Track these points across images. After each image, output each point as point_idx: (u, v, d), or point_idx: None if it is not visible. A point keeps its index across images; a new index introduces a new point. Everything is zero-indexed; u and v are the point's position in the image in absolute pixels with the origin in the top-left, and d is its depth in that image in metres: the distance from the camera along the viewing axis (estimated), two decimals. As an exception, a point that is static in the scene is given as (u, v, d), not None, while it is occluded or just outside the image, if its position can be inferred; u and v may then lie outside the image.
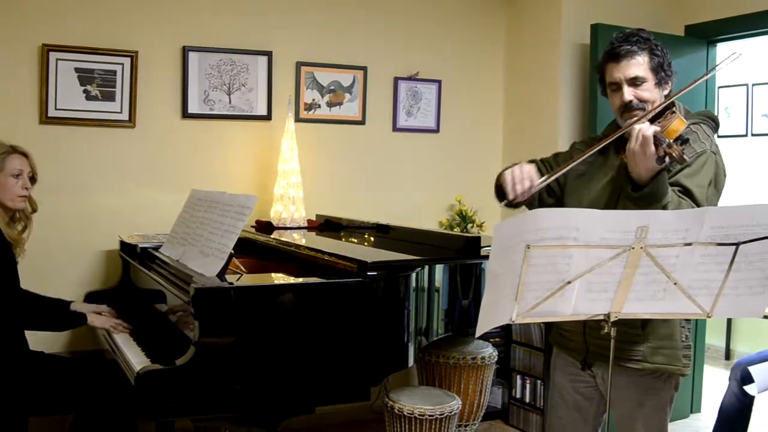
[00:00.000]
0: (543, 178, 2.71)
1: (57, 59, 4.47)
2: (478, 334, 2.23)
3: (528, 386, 5.13)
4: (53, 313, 3.80)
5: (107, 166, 4.64)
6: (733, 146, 7.04)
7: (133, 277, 4.34)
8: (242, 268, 3.55)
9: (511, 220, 2.09)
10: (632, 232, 2.09)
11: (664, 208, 2.42)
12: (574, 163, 2.69)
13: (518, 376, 5.20)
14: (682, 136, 2.42)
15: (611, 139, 2.63)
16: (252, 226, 4.83)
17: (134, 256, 4.21)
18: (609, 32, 4.78)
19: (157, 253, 3.92)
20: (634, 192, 2.47)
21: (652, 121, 2.56)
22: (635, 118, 2.63)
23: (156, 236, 4.42)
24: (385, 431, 4.16)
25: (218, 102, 4.90)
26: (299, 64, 5.15)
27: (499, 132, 5.92)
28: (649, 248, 2.12)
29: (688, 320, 2.78)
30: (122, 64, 4.63)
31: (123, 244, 4.45)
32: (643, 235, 2.09)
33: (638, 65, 2.66)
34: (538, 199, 2.96)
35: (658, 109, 2.63)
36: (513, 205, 2.81)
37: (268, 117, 5.06)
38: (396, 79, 5.48)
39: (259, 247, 4.29)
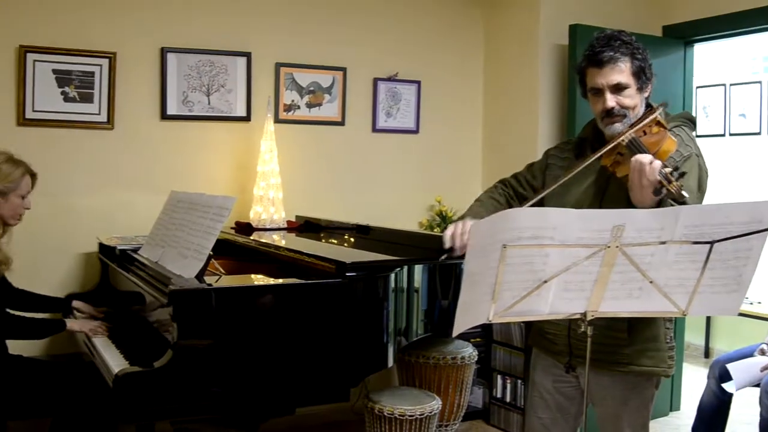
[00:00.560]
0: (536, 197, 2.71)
1: (34, 61, 4.44)
2: (455, 333, 2.23)
3: (509, 386, 5.14)
4: (33, 324, 3.77)
5: (86, 168, 4.62)
6: (711, 146, 7.07)
7: (112, 280, 4.33)
8: (221, 269, 3.55)
9: (487, 219, 2.10)
10: (608, 231, 2.10)
11: None
12: (561, 181, 2.67)
13: (499, 376, 5.21)
14: (679, 168, 2.41)
15: (605, 150, 2.60)
16: (231, 228, 4.82)
17: (113, 258, 4.19)
18: (587, 33, 4.83)
19: (136, 255, 3.91)
20: None
21: (633, 125, 2.57)
22: (617, 126, 2.64)
23: (135, 238, 4.40)
24: (365, 432, 4.16)
25: (197, 103, 4.89)
26: (278, 65, 5.14)
27: (479, 132, 5.93)
28: (624, 247, 2.14)
29: (671, 321, 2.80)
30: (100, 65, 4.60)
31: (102, 246, 4.43)
32: (618, 234, 2.11)
33: (620, 72, 2.64)
34: None
35: (638, 114, 2.64)
36: (452, 253, 2.84)
37: (247, 118, 5.05)
38: (375, 80, 5.48)
39: (238, 249, 4.29)
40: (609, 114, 2.67)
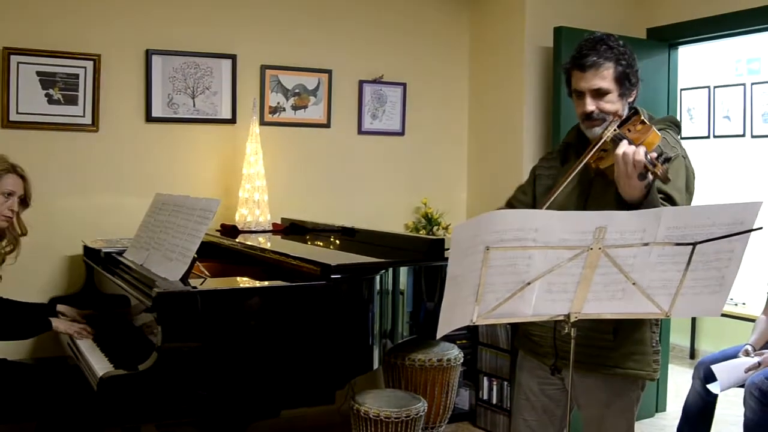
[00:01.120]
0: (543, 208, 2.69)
1: (18, 63, 4.42)
2: (439, 335, 2.23)
3: (495, 388, 5.14)
4: (19, 323, 3.76)
5: (70, 170, 4.60)
6: (695, 148, 7.10)
7: (97, 283, 4.31)
8: (206, 272, 3.54)
9: (470, 221, 2.10)
10: (590, 233, 2.11)
11: None
12: (570, 178, 2.67)
13: (485, 378, 5.22)
14: (665, 154, 2.42)
15: (591, 152, 2.61)
16: (217, 230, 4.81)
17: (98, 261, 4.18)
18: (572, 35, 4.86)
19: (120, 258, 3.90)
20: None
21: (619, 126, 2.58)
22: (597, 129, 2.65)
23: (120, 241, 4.39)
24: (351, 434, 4.16)
25: (182, 105, 4.88)
26: (264, 68, 5.13)
27: (464, 134, 5.94)
28: (607, 248, 2.14)
29: (657, 324, 2.81)
30: (85, 67, 4.59)
31: (86, 248, 4.42)
32: (601, 236, 2.11)
33: (602, 77, 2.65)
34: None
35: (623, 115, 2.65)
36: None
37: (232, 120, 5.04)
38: (361, 82, 5.49)
39: (224, 251, 4.28)
40: (588, 117, 2.70)
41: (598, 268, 2.19)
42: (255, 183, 4.81)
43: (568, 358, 2.66)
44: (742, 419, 4.18)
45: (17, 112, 4.44)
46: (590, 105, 2.68)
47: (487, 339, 5.20)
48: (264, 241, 4.38)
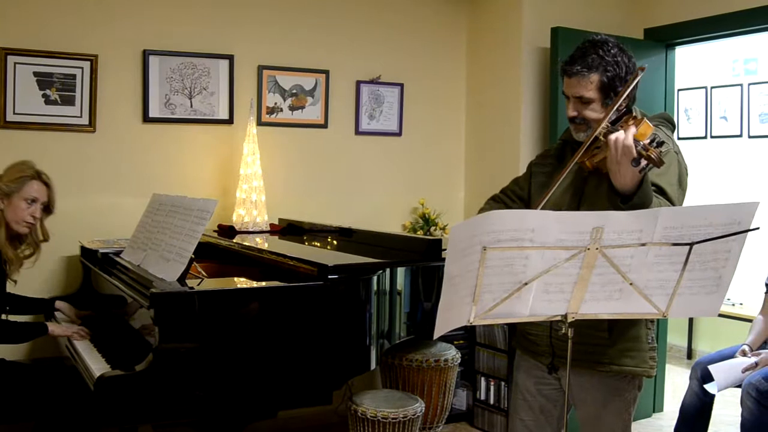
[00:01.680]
0: (538, 207, 2.67)
1: (15, 63, 4.42)
2: (436, 335, 2.23)
3: (492, 388, 5.14)
4: (15, 328, 3.76)
5: (67, 171, 4.60)
6: (692, 148, 7.12)
7: (94, 283, 4.31)
8: (203, 272, 3.54)
9: (467, 222, 2.10)
10: (587, 233, 2.11)
11: None
12: (564, 176, 2.67)
13: (482, 378, 5.22)
14: (657, 138, 2.43)
15: (583, 149, 2.62)
16: (214, 231, 4.81)
17: (95, 262, 4.18)
18: (569, 35, 4.86)
19: (118, 259, 3.90)
20: (623, 204, 2.43)
21: (612, 125, 2.59)
22: (582, 134, 2.67)
23: (117, 241, 4.39)
24: (348, 435, 4.16)
25: (179, 106, 4.88)
26: (261, 68, 5.13)
27: (462, 134, 5.94)
28: (604, 249, 2.14)
29: (652, 321, 2.81)
30: (82, 68, 4.59)
31: (84, 249, 4.41)
32: (598, 236, 2.11)
33: (585, 86, 2.67)
34: None
35: (615, 115, 2.65)
36: None
37: (229, 121, 5.04)
38: (358, 83, 5.49)
39: (221, 252, 4.28)
40: (572, 121, 2.74)
41: (595, 268, 2.18)
42: (252, 183, 4.81)
43: (565, 357, 2.65)
44: (739, 419, 4.18)
45: (14, 113, 4.44)
46: (572, 110, 2.72)
47: (485, 339, 5.20)
48: (261, 242, 4.38)
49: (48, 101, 4.52)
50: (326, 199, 5.40)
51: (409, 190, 5.71)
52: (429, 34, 5.76)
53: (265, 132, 5.07)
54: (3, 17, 4.42)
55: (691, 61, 7.14)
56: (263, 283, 3.29)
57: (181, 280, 3.20)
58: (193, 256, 3.26)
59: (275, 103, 5.20)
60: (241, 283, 3.51)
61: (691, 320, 7.34)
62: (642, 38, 5.52)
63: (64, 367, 3.84)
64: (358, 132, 5.53)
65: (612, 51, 2.69)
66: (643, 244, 2.15)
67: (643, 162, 2.37)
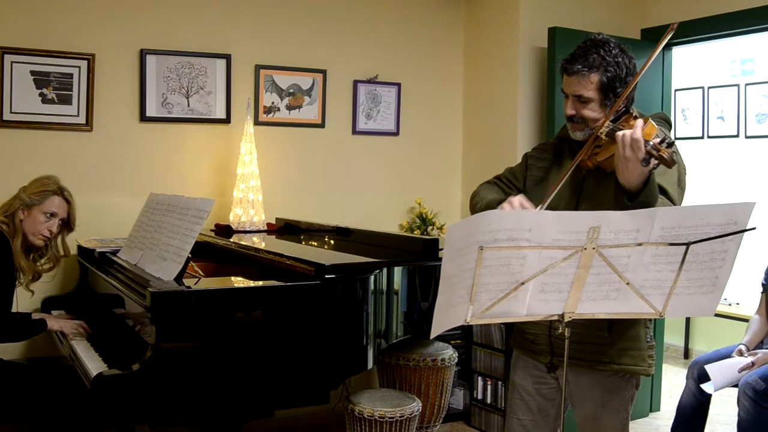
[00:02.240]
0: (538, 208, 2.65)
1: (12, 62, 4.42)
2: (433, 335, 2.23)
3: (489, 387, 5.14)
4: (14, 326, 3.77)
5: (64, 170, 4.56)
6: (689, 148, 7.13)
7: (91, 282, 4.31)
8: (200, 271, 3.54)
9: (464, 221, 2.10)
10: (584, 233, 2.11)
11: None
12: (566, 177, 2.67)
13: (479, 378, 5.22)
14: (667, 139, 2.42)
15: (585, 149, 2.62)
16: (211, 230, 4.81)
17: (92, 261, 4.18)
18: (566, 35, 4.86)
19: (115, 258, 3.90)
20: (630, 201, 2.43)
21: (612, 123, 2.59)
22: (579, 133, 2.68)
23: (114, 241, 4.39)
24: (345, 434, 4.16)
25: (176, 105, 4.87)
26: (258, 67, 5.13)
27: (459, 134, 5.94)
28: (601, 248, 2.15)
29: (650, 321, 2.82)
30: (79, 67, 4.58)
31: (80, 248, 4.41)
32: (594, 236, 2.12)
33: (585, 86, 2.67)
34: None
35: (617, 112, 2.66)
36: None
37: (227, 120, 5.04)
38: (355, 82, 5.49)
39: (218, 251, 4.28)
40: (569, 120, 2.74)
41: (592, 268, 2.19)
42: (249, 183, 4.81)
43: (564, 356, 2.66)
44: (735, 419, 4.18)
45: (11, 112, 4.44)
46: (570, 109, 2.73)
47: (482, 339, 5.20)
48: (258, 241, 4.38)
49: (45, 100, 4.52)
50: (323, 199, 5.40)
51: (406, 190, 5.71)
52: (426, 34, 5.76)
53: (262, 131, 5.06)
54: (0, 16, 4.41)
55: (688, 62, 7.15)
56: (260, 283, 3.29)
57: (178, 279, 3.20)
58: (190, 255, 3.26)
59: (272, 103, 5.20)
60: (238, 282, 3.51)
61: (688, 320, 7.35)
62: (639, 38, 5.53)
63: (62, 366, 3.84)
64: (355, 131, 5.53)
65: (613, 51, 2.69)
66: (640, 244, 2.15)
67: (654, 162, 2.37)
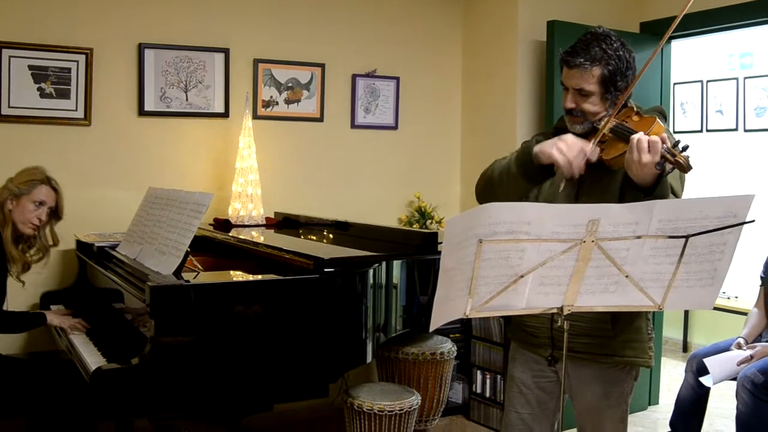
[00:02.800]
0: (591, 146, 2.60)
1: (10, 56, 4.41)
2: (432, 328, 2.23)
3: (488, 381, 5.15)
4: (12, 318, 3.78)
5: (63, 164, 4.58)
6: (688, 142, 7.08)
7: (90, 277, 4.31)
8: (199, 266, 3.54)
9: (463, 214, 2.10)
10: (583, 226, 2.11)
11: None
12: (561, 184, 2.66)
13: (478, 371, 5.22)
14: (681, 142, 2.42)
15: (596, 140, 2.61)
16: (210, 224, 4.80)
17: (91, 256, 4.18)
18: (565, 29, 4.86)
19: (113, 252, 3.89)
20: (646, 197, 2.41)
21: (612, 114, 2.59)
22: (578, 126, 2.67)
23: (113, 235, 4.38)
24: (345, 428, 4.16)
25: (175, 99, 4.87)
26: (257, 61, 5.13)
27: (458, 128, 5.94)
28: (600, 241, 2.15)
29: (650, 312, 2.82)
30: (77, 61, 4.58)
31: (79, 243, 4.41)
32: (593, 229, 2.12)
33: (586, 79, 2.66)
34: None
35: (617, 111, 2.65)
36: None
37: (225, 114, 5.03)
38: (354, 76, 5.48)
39: (217, 245, 4.27)
40: (568, 113, 2.73)
41: (591, 261, 2.19)
42: (248, 177, 4.80)
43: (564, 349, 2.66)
44: (734, 412, 4.19)
45: (9, 106, 4.43)
46: (570, 102, 2.71)
47: (481, 332, 5.21)
48: (257, 235, 4.38)
49: (43, 95, 4.52)
50: (322, 193, 5.40)
51: (405, 184, 5.71)
52: (425, 28, 5.75)
53: (260, 125, 5.06)
54: (-2, 10, 4.41)
55: (687, 55, 7.14)
56: (259, 277, 3.29)
57: (177, 273, 3.19)
58: (189, 249, 3.26)
59: (271, 97, 5.20)
60: (237, 276, 3.51)
61: (686, 313, 7.35)
62: (638, 32, 5.52)
63: (60, 360, 3.84)
64: (354, 125, 5.53)
65: (614, 45, 2.69)
66: (639, 237, 2.15)
67: (669, 167, 2.37)
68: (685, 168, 2.37)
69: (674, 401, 4.62)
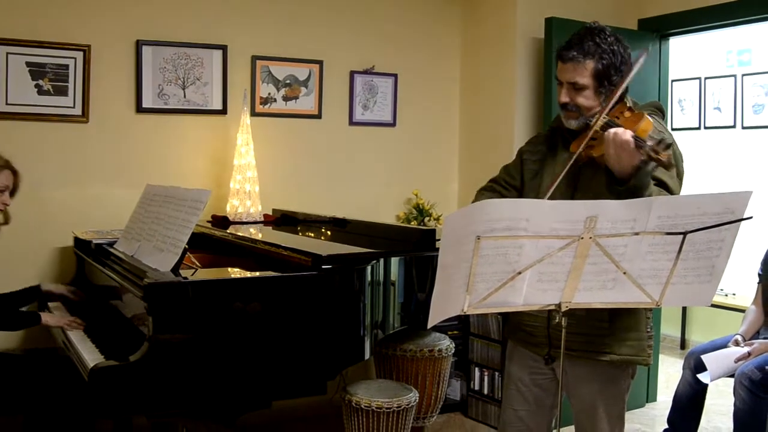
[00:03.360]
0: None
1: (7, 53, 4.40)
2: (429, 324, 2.23)
3: (486, 378, 5.15)
4: (7, 316, 3.76)
5: (60, 161, 4.59)
6: (686, 139, 7.12)
7: (88, 274, 4.30)
8: (197, 263, 3.53)
9: (461, 211, 2.10)
10: (581, 222, 2.12)
11: None
12: (564, 171, 2.67)
13: (476, 368, 5.23)
14: (664, 140, 2.43)
15: (584, 143, 2.62)
16: (208, 221, 4.80)
17: (89, 253, 4.17)
18: (563, 26, 4.86)
19: (111, 249, 3.89)
20: (619, 186, 2.46)
21: (604, 111, 2.59)
22: (573, 122, 2.68)
23: (111, 232, 4.38)
24: (343, 425, 4.16)
25: (173, 96, 4.86)
26: (254, 58, 5.12)
27: (456, 125, 5.94)
28: (598, 238, 2.15)
29: (650, 310, 2.82)
30: (75, 58, 4.57)
31: (77, 240, 4.40)
32: (591, 225, 2.12)
33: (580, 73, 2.67)
34: None
35: (611, 103, 2.65)
36: None
37: (223, 111, 5.02)
38: (352, 73, 5.48)
39: (215, 242, 4.27)
40: (564, 108, 2.74)
41: (589, 257, 2.19)
42: (246, 174, 4.80)
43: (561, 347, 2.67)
44: (731, 409, 4.20)
45: (6, 103, 4.42)
46: (564, 96, 2.72)
47: (479, 329, 5.21)
48: (255, 232, 4.38)
49: (41, 91, 4.51)
50: (320, 190, 5.39)
51: (403, 181, 5.71)
52: (423, 24, 5.75)
53: (258, 122, 5.06)
54: (-5, 7, 4.40)
55: (685, 52, 7.14)
56: (257, 273, 3.29)
57: (175, 270, 3.19)
58: (186, 246, 3.26)
59: (269, 94, 5.19)
60: (235, 273, 3.51)
61: (684, 310, 7.36)
62: (636, 29, 5.52)
63: (58, 357, 3.83)
64: (352, 122, 5.52)
65: (608, 39, 2.70)
66: (637, 233, 2.16)
67: (653, 164, 2.38)
68: (667, 166, 2.39)
69: (672, 398, 4.63)
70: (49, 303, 4.14)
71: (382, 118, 5.62)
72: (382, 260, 3.44)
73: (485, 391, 5.16)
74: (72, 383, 3.49)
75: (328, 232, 4.44)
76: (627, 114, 2.57)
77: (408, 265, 3.61)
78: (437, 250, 2.13)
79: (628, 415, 3.42)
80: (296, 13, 5.27)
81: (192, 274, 3.24)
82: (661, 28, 5.43)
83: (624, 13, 5.52)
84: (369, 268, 3.31)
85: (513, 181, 3.00)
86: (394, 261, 3.54)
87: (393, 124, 5.67)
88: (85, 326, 3.73)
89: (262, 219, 4.84)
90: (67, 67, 4.56)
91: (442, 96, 5.87)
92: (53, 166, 4.58)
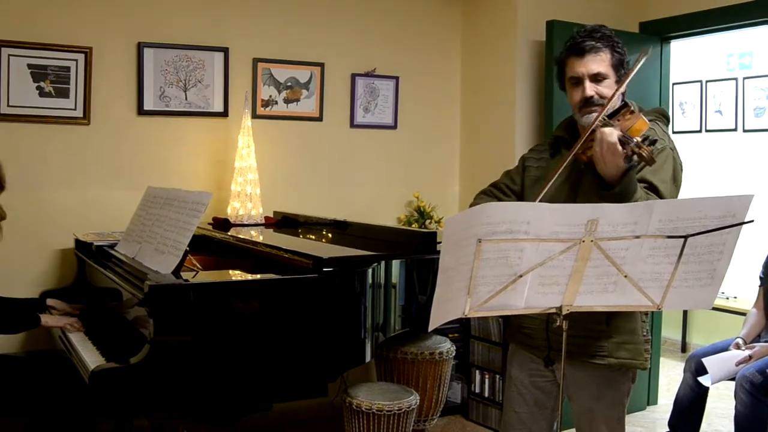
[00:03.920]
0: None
1: (9, 55, 4.40)
2: (430, 328, 2.23)
3: (487, 381, 5.15)
4: (7, 318, 3.76)
5: (62, 163, 4.59)
6: (687, 142, 7.12)
7: (89, 276, 4.30)
8: (198, 265, 3.53)
9: (462, 214, 2.10)
10: (582, 226, 2.11)
11: None
12: (561, 170, 2.67)
13: (477, 371, 5.23)
14: (650, 137, 2.44)
15: (581, 142, 2.62)
16: (209, 224, 4.80)
17: (89, 255, 4.17)
18: (564, 29, 4.86)
19: (112, 251, 3.89)
20: (605, 190, 2.48)
21: (609, 117, 2.59)
22: (593, 116, 2.66)
23: (111, 234, 4.38)
24: (344, 428, 4.16)
25: (174, 98, 4.87)
26: (256, 61, 5.12)
27: (457, 128, 5.94)
28: (599, 241, 2.15)
29: (646, 314, 2.83)
30: (76, 60, 4.57)
31: (78, 242, 4.40)
32: (593, 228, 2.12)
33: (601, 61, 2.68)
34: None
35: (614, 106, 2.65)
36: None
37: (224, 114, 5.03)
38: (353, 76, 5.48)
39: (216, 245, 4.27)
40: (587, 103, 2.71)
41: (590, 260, 2.19)
42: (247, 176, 4.80)
43: (561, 350, 2.67)
44: (732, 412, 4.20)
45: (8, 105, 4.42)
46: (589, 89, 2.70)
47: (479, 332, 5.21)
48: (256, 235, 4.38)
49: (42, 94, 4.51)
50: (321, 192, 5.40)
51: (404, 183, 5.71)
52: (424, 27, 5.75)
53: (259, 125, 5.06)
54: (-3, 9, 4.41)
55: (686, 55, 7.14)
56: (258, 276, 3.29)
57: (176, 272, 3.19)
58: (187, 248, 3.26)
59: (270, 96, 5.19)
60: (236, 275, 3.51)
61: (685, 313, 7.35)
62: (637, 32, 5.52)
63: (59, 360, 3.83)
64: (353, 125, 5.52)
65: (612, 32, 2.74)
66: (638, 237, 2.15)
67: (636, 158, 2.39)
68: (648, 161, 2.40)
69: (673, 401, 4.63)
70: (49, 307, 4.14)
71: (383, 121, 5.62)
72: (383, 263, 3.44)
73: (486, 394, 5.16)
74: (73, 385, 3.49)
75: (329, 235, 4.44)
76: (628, 116, 2.57)
77: (409, 267, 3.61)
78: (438, 252, 2.13)
79: (629, 418, 3.43)
80: (297, 16, 5.27)
81: (193, 277, 3.24)
82: (662, 31, 5.43)
83: (625, 16, 5.52)
84: (370, 270, 3.32)
85: (514, 186, 3.00)
86: (395, 264, 3.53)
87: (394, 127, 5.67)
88: (86, 328, 3.73)
89: (263, 221, 4.83)
90: (68, 69, 4.56)
91: (443, 99, 5.88)
92: (54, 168, 4.58)
